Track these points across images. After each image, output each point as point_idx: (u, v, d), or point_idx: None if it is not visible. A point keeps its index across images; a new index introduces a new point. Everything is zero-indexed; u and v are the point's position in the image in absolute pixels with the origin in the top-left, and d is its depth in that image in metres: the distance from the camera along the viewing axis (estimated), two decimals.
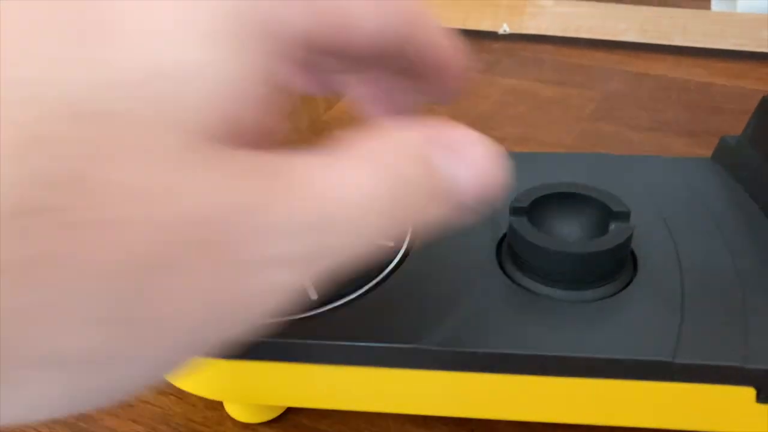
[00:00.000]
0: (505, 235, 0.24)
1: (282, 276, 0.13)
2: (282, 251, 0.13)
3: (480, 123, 0.44)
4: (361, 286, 0.22)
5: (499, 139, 0.16)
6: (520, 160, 0.21)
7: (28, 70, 0.11)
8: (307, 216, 0.13)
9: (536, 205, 0.24)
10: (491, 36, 0.56)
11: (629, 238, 0.22)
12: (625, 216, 0.23)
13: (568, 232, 0.24)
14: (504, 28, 0.56)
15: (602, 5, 0.56)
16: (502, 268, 0.23)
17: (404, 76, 0.18)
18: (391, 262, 0.23)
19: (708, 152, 0.30)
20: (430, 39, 0.17)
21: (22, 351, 0.11)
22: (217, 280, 0.12)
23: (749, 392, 0.20)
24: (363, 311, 0.22)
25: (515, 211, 0.23)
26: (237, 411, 0.25)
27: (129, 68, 0.12)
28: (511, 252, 0.23)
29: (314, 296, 0.22)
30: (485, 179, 0.15)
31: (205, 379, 0.23)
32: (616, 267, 0.22)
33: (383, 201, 0.14)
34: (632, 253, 0.24)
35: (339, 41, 0.15)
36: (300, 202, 0.13)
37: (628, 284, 0.22)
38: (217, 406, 0.25)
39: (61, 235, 0.11)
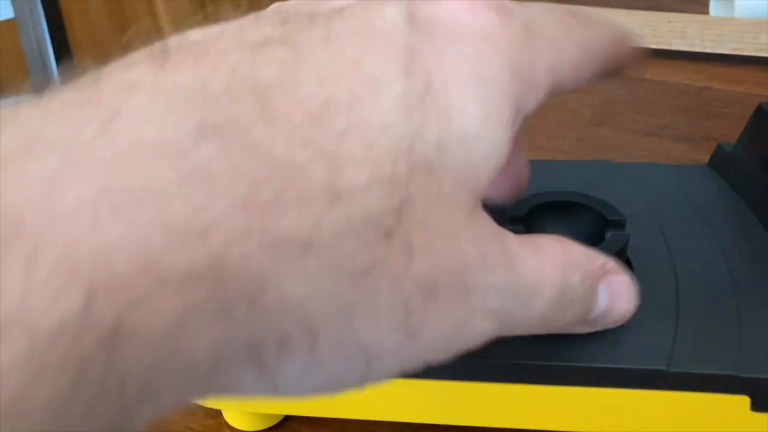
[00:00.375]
0: None
1: (487, 325, 0.16)
2: (493, 306, 0.16)
3: None
4: None
5: None
6: None
7: (389, 118, 0.14)
8: (511, 284, 0.16)
9: (533, 214, 0.24)
10: None
11: (625, 247, 0.22)
12: (620, 224, 0.23)
13: None
14: None
15: (600, 10, 0.57)
16: None
17: None
18: None
19: (706, 157, 0.30)
20: (620, 60, 0.20)
21: (343, 339, 0.14)
22: (461, 314, 0.15)
23: (744, 401, 0.20)
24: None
25: (512, 220, 0.23)
26: (235, 419, 0.25)
27: (447, 133, 0.15)
28: None
29: None
30: (620, 317, 0.19)
31: None
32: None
33: (553, 296, 0.17)
34: (628, 261, 0.24)
35: (556, 94, 0.18)
36: (510, 271, 0.16)
37: None
38: (216, 414, 0.26)
39: (382, 249, 0.14)
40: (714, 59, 0.51)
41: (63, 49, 1.15)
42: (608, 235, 0.23)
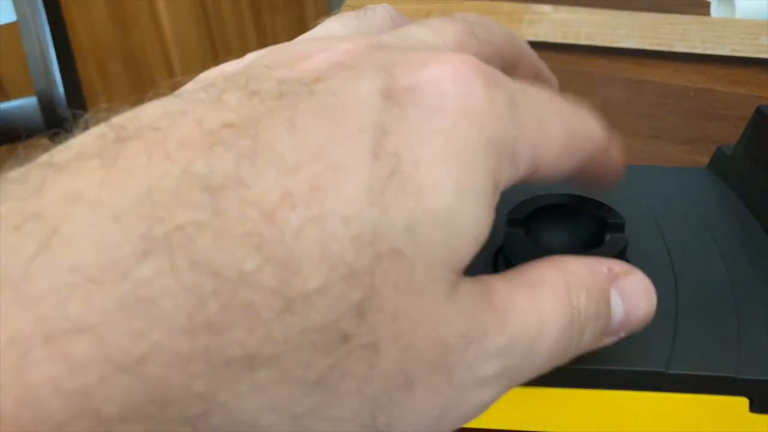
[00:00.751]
0: (501, 247, 0.25)
1: (487, 395, 0.15)
2: (488, 374, 0.15)
3: None
4: None
5: None
6: None
7: (351, 207, 0.13)
8: (508, 344, 0.15)
9: (532, 216, 0.24)
10: None
11: (624, 249, 0.22)
12: (619, 227, 0.23)
13: (564, 243, 0.24)
14: None
15: (601, 12, 0.57)
16: None
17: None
18: None
19: (707, 160, 0.30)
20: (604, 165, 0.20)
21: None
22: (445, 396, 0.14)
23: (743, 402, 0.20)
24: None
25: (511, 223, 0.23)
26: None
27: (417, 214, 0.14)
28: (507, 264, 0.23)
29: None
30: (640, 316, 0.18)
31: None
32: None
33: (560, 331, 0.16)
34: (626, 262, 0.24)
35: (532, 180, 0.18)
36: (503, 331, 0.15)
37: None
38: None
39: (344, 357, 0.13)
40: (715, 61, 0.51)
41: (65, 52, 1.15)
42: (607, 237, 0.23)
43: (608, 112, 0.50)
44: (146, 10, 1.39)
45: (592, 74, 0.51)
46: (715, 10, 0.57)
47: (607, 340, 0.18)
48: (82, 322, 0.11)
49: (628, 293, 0.18)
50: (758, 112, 0.27)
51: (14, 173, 0.13)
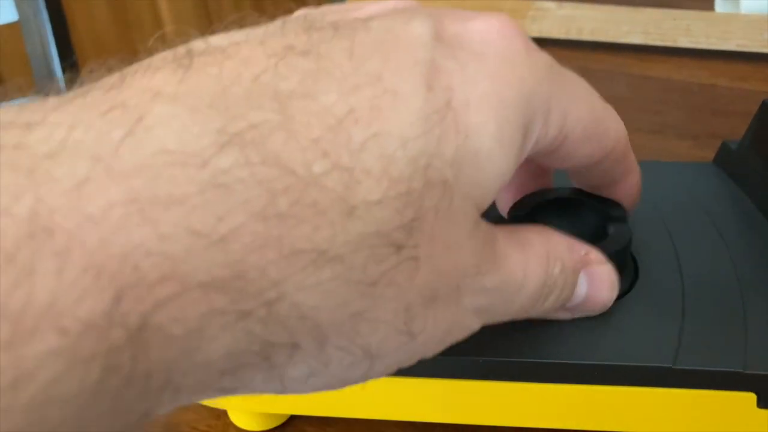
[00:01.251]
0: None
1: (474, 321, 0.17)
2: (479, 305, 0.17)
3: None
4: None
5: None
6: None
7: (409, 132, 0.14)
8: (499, 284, 0.17)
9: (536, 211, 0.24)
10: None
11: (629, 243, 0.22)
12: (622, 219, 0.23)
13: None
14: None
15: (605, 8, 0.56)
16: None
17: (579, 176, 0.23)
18: None
19: (712, 155, 0.30)
20: (622, 173, 0.22)
21: (349, 343, 0.14)
22: (453, 314, 0.16)
23: (750, 397, 0.20)
24: None
25: (515, 218, 0.23)
26: (241, 419, 0.25)
27: (463, 150, 0.15)
28: None
29: None
30: (598, 301, 0.20)
31: None
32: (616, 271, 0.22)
33: (535, 289, 0.18)
34: (633, 258, 0.24)
35: (556, 160, 0.19)
36: (498, 273, 0.17)
37: (629, 289, 0.22)
38: (221, 414, 0.26)
39: (393, 267, 0.14)
40: (719, 56, 0.51)
41: (67, 52, 1.16)
42: (611, 230, 0.23)
43: (612, 108, 0.49)
44: (148, 9, 1.39)
45: (595, 70, 0.50)
46: (720, 5, 0.57)
47: (562, 315, 0.20)
48: (169, 198, 0.12)
49: (595, 279, 0.19)
50: (764, 106, 0.27)
51: (93, 82, 0.14)
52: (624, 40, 0.52)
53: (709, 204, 0.26)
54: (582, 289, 0.19)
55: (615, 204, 0.23)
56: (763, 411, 0.20)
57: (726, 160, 0.29)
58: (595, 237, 0.23)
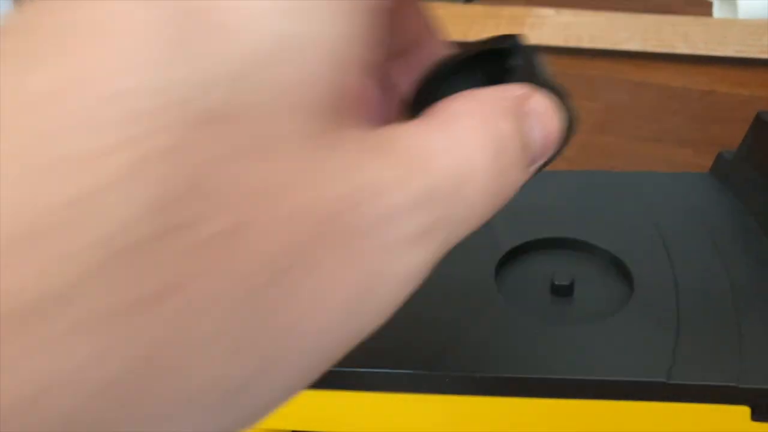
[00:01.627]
0: (504, 256, 0.25)
1: (418, 256, 0.12)
2: (410, 230, 0.12)
3: None
4: None
5: None
6: None
7: (127, 80, 0.10)
8: (417, 190, 0.12)
9: (440, 86, 0.17)
10: None
11: (536, 60, 0.17)
12: (515, 48, 0.17)
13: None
14: None
15: (603, 14, 0.57)
16: (500, 290, 0.24)
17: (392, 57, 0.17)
18: None
19: (710, 162, 0.30)
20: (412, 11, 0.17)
21: (157, 391, 0.10)
22: (358, 270, 0.11)
23: (744, 411, 0.20)
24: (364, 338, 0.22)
25: (424, 103, 0.17)
26: None
27: (229, 59, 0.10)
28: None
29: None
30: (553, 136, 0.15)
31: None
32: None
33: (489, 165, 0.13)
34: (629, 272, 0.24)
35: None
36: (412, 178, 0.12)
37: (625, 303, 0.23)
38: None
39: (184, 260, 0.10)
40: (717, 62, 0.51)
41: None
42: (511, 63, 0.17)
43: (611, 115, 0.50)
44: None
45: (594, 77, 0.51)
46: (718, 11, 0.57)
47: (533, 168, 0.15)
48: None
49: (540, 113, 0.15)
50: (758, 118, 0.27)
51: None
52: (622, 46, 0.53)
53: (705, 215, 0.27)
54: (537, 132, 0.15)
55: (497, 41, 0.17)
56: (757, 424, 0.20)
57: (723, 170, 0.29)
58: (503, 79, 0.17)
